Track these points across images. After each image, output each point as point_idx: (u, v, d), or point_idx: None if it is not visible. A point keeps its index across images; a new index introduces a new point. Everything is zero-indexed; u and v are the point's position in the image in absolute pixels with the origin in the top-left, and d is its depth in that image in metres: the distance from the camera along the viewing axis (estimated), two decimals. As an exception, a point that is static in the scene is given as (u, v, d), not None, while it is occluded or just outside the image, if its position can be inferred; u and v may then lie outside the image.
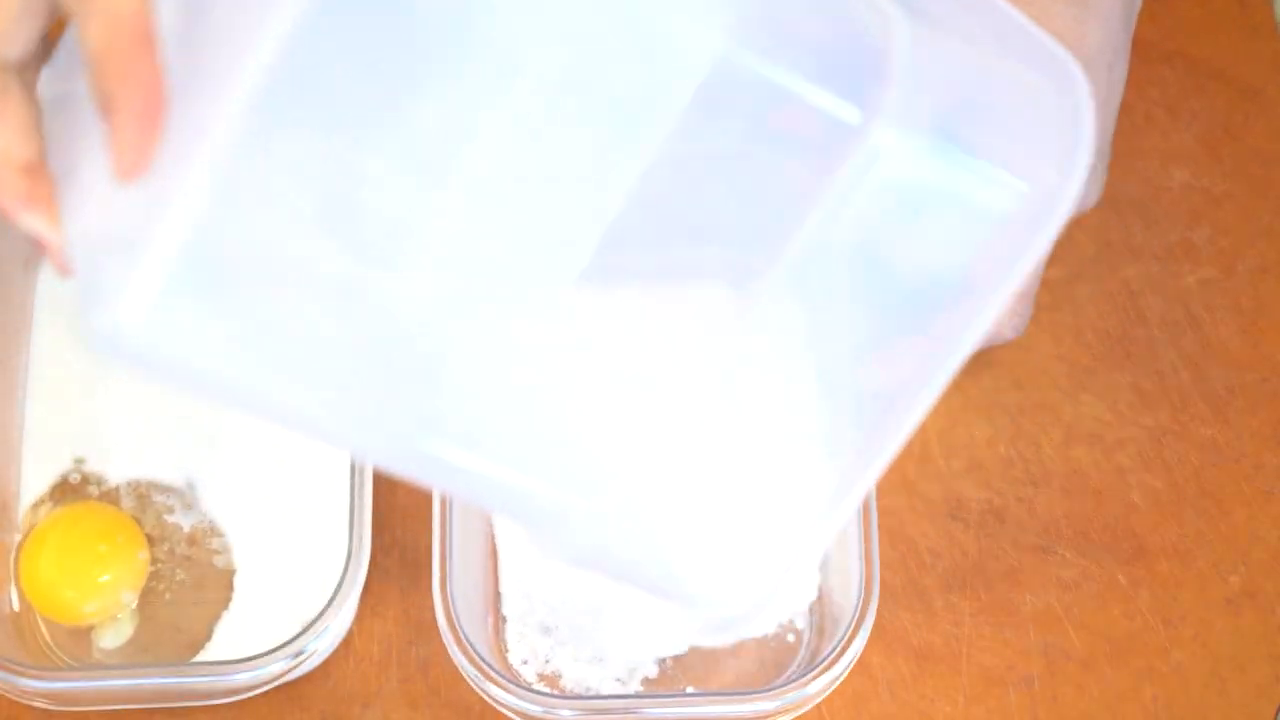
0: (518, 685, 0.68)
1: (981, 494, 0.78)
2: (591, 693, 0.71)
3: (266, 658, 0.69)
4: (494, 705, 0.69)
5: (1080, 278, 0.82)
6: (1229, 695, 0.74)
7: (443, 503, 0.70)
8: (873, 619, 0.69)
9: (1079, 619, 0.75)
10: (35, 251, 0.80)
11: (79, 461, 0.77)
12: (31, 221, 0.51)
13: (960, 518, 0.77)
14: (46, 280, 0.80)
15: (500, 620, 0.75)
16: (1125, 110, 0.85)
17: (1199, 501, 0.77)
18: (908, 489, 0.78)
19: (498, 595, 0.75)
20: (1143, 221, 0.83)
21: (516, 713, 0.69)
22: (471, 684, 0.69)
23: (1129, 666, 0.75)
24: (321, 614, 0.69)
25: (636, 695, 0.69)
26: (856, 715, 0.74)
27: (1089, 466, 0.78)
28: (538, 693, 0.69)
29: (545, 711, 0.68)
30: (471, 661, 0.68)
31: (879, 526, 0.77)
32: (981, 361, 0.80)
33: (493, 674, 0.68)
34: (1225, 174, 0.84)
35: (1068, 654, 0.75)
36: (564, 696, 0.70)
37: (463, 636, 0.68)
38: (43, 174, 0.51)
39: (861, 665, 0.75)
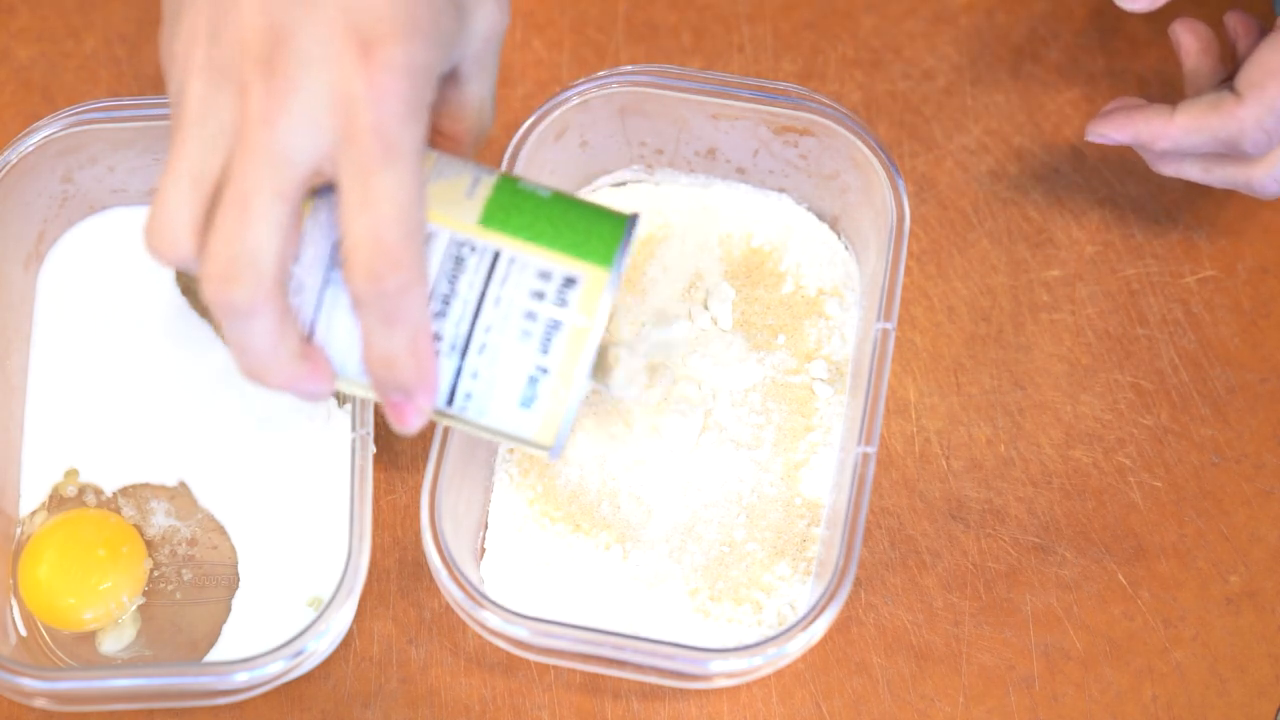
0: (506, 610, 0.69)
1: (981, 494, 0.78)
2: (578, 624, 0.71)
3: (266, 658, 0.69)
4: (483, 634, 0.70)
5: (1080, 278, 0.82)
6: (1229, 695, 0.74)
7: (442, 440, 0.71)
8: (851, 581, 0.69)
9: (1079, 619, 0.75)
10: (34, 253, 0.80)
11: (76, 470, 0.77)
12: (316, 389, 0.62)
13: (960, 518, 0.77)
14: (47, 282, 0.80)
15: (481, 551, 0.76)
16: (1125, 110, 0.85)
17: (1199, 501, 0.77)
18: (908, 489, 0.78)
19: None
20: (1143, 221, 0.83)
21: (503, 636, 0.70)
22: (462, 612, 0.70)
23: (1129, 666, 0.75)
24: (321, 614, 0.69)
25: (620, 634, 0.69)
26: (856, 715, 0.74)
27: (1089, 466, 0.78)
28: (528, 618, 0.69)
29: (532, 636, 0.69)
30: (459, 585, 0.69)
31: (879, 527, 0.77)
32: (982, 359, 0.80)
33: (480, 597, 0.69)
34: (1225, 174, 0.84)
35: (1068, 654, 0.75)
36: (555, 623, 0.69)
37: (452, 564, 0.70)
38: (315, 354, 0.62)
39: (861, 665, 0.75)
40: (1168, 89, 0.85)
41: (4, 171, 0.76)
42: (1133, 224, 0.83)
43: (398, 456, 0.78)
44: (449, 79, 0.64)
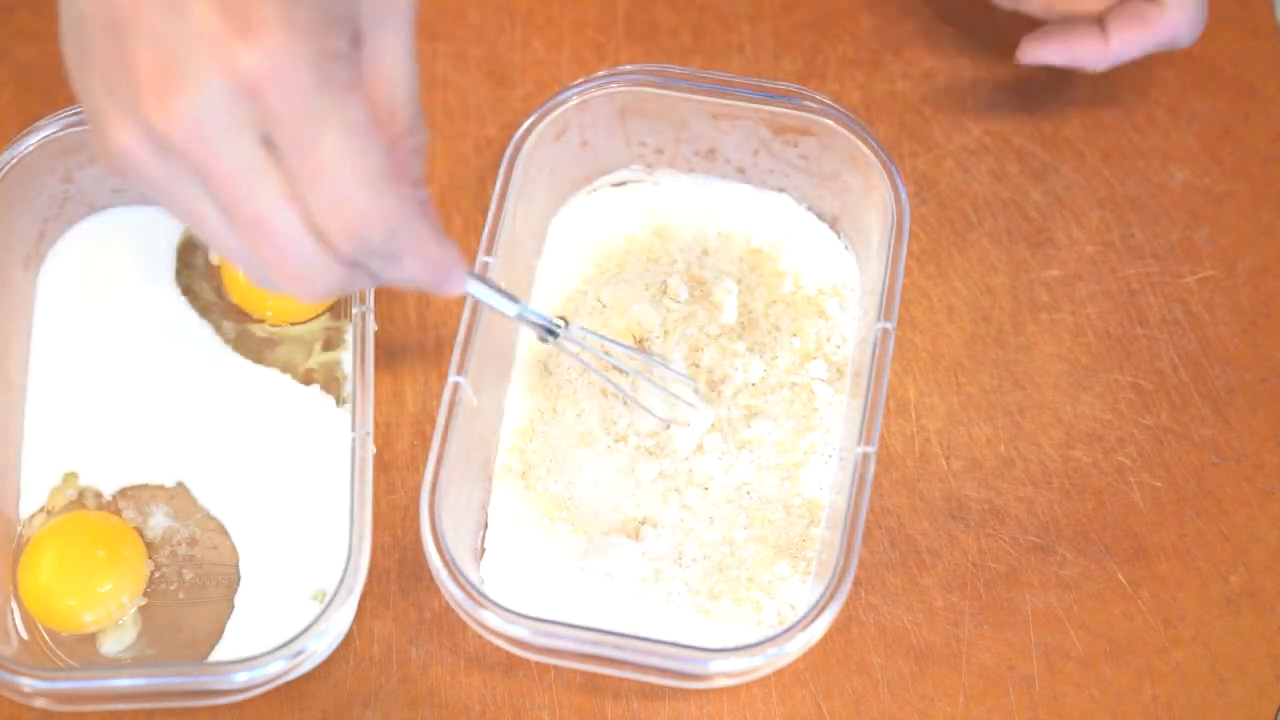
0: (505, 609, 0.69)
1: (981, 494, 0.78)
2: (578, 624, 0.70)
3: (266, 657, 0.69)
4: (482, 632, 0.70)
5: (1080, 278, 0.82)
6: (1229, 695, 0.74)
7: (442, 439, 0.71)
8: (851, 581, 0.69)
9: (1079, 619, 0.75)
10: (34, 253, 0.80)
11: (76, 474, 0.77)
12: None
13: (960, 518, 0.77)
14: (47, 282, 0.80)
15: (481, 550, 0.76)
16: (1125, 110, 0.85)
17: (1199, 501, 0.78)
18: (908, 489, 0.78)
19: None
20: (1143, 221, 0.83)
21: (503, 636, 0.70)
22: (461, 611, 0.70)
23: (1129, 666, 0.75)
24: (321, 614, 0.69)
25: (620, 634, 0.69)
26: (856, 715, 0.74)
27: (1089, 466, 0.78)
28: (528, 618, 0.69)
29: (533, 636, 0.69)
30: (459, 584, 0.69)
31: (879, 527, 0.77)
32: (982, 359, 0.80)
33: (479, 596, 0.69)
34: (1225, 174, 0.84)
35: (1068, 654, 0.75)
36: (555, 623, 0.69)
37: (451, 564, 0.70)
38: None
39: (861, 665, 0.75)
40: (1166, 90, 0.85)
41: (4, 171, 0.76)
42: (1133, 224, 0.83)
43: (398, 456, 0.78)
44: (357, 42, 0.60)
